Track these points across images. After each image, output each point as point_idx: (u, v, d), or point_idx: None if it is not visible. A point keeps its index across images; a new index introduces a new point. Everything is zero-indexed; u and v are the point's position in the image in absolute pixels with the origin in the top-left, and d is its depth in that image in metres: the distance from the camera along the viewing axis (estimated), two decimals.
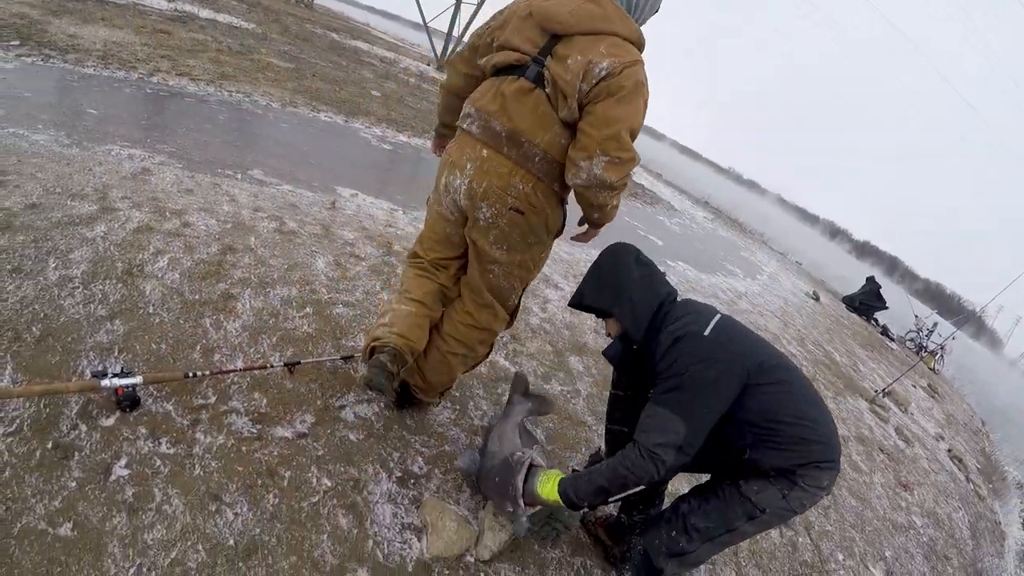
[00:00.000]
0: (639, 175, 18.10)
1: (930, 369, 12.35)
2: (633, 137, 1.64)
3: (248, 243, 3.32)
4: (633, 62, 1.60)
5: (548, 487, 1.67)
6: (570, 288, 5.24)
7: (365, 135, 7.55)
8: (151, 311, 2.42)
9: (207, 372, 2.10)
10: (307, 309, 2.88)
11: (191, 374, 2.05)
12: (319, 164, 5.58)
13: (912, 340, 14.55)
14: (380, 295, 3.36)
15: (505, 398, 2.88)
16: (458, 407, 2.65)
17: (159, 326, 2.35)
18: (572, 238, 2.08)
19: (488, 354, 2.30)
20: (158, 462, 1.77)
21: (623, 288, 1.75)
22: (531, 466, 1.78)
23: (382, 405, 2.42)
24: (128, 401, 1.89)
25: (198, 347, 2.33)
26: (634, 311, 1.74)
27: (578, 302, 1.89)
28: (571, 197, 1.89)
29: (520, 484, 1.70)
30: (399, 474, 2.11)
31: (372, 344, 1.97)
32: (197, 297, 2.62)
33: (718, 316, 1.70)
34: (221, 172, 4.35)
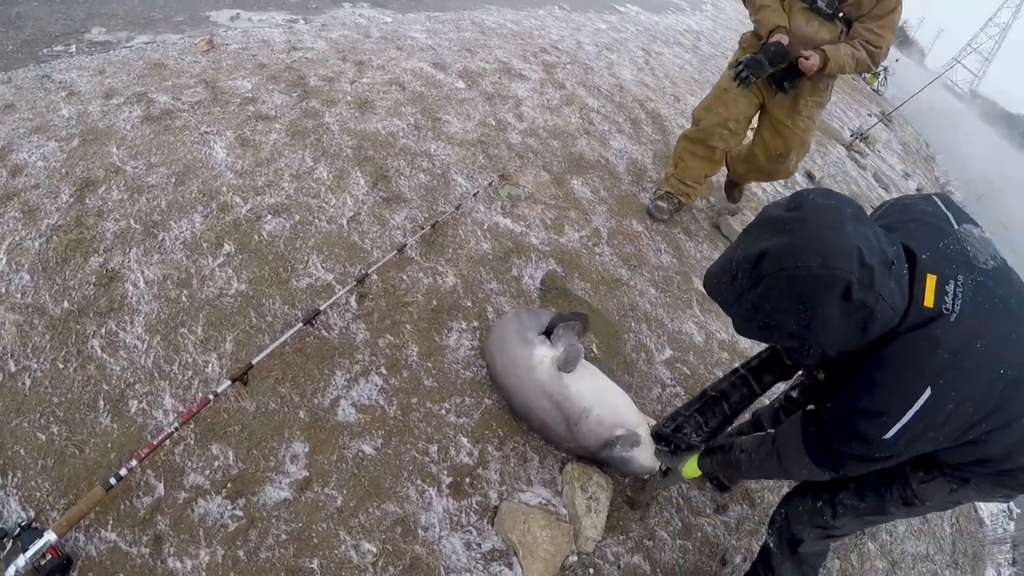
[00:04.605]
0: None
1: (873, 90, 12.90)
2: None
3: (109, 160, 2.25)
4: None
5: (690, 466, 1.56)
6: (539, 76, 3.96)
7: None
8: (13, 369, 1.65)
9: (132, 464, 1.44)
10: (225, 248, 2.01)
11: (111, 481, 1.40)
12: None
13: None
14: (316, 170, 2.34)
15: (515, 271, 2.20)
16: (475, 323, 1.96)
17: (36, 394, 1.60)
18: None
19: None
20: None
21: (811, 339, 1.03)
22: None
23: (383, 373, 1.75)
24: (57, 570, 1.31)
25: (101, 402, 1.61)
26: (822, 362, 1.11)
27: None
28: None
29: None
30: (448, 478, 1.58)
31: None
32: (67, 306, 1.79)
33: (926, 396, 1.00)
34: (47, 53, 2.90)
